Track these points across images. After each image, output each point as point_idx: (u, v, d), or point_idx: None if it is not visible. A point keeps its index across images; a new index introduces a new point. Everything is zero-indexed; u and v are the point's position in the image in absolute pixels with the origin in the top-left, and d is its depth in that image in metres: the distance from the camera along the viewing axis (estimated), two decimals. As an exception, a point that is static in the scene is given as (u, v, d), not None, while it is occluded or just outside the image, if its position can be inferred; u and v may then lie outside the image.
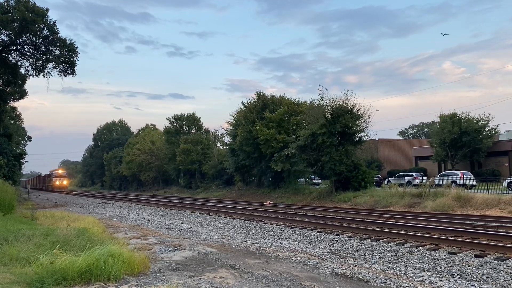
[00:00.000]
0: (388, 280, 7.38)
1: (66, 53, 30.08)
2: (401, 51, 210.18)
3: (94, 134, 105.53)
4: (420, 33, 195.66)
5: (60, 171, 76.25)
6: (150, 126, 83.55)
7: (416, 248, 10.97)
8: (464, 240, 11.47)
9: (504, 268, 8.67)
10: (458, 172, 35.28)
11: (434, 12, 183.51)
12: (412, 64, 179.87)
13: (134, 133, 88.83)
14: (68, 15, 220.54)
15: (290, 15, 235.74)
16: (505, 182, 29.31)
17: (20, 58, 30.68)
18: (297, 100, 39.33)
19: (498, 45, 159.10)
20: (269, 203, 30.72)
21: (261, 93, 41.51)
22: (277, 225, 16.53)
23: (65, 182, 72.54)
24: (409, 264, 9.47)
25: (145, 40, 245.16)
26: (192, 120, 63.96)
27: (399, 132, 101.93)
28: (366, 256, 10.44)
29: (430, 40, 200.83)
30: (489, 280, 8.06)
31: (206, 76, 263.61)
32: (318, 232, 14.29)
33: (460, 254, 9.95)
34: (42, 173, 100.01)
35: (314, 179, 42.30)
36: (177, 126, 63.53)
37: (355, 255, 10.67)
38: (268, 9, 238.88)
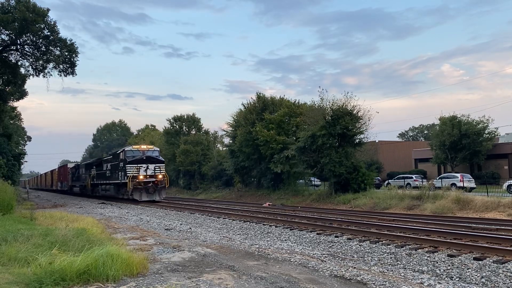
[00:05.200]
0: (387, 283, 7.37)
1: (66, 53, 30.08)
2: (400, 53, 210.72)
3: (94, 134, 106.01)
4: (418, 35, 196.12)
5: (143, 147, 34.92)
6: (150, 126, 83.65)
7: (415, 250, 10.96)
8: (463, 242, 11.45)
9: (503, 271, 8.66)
10: (458, 175, 35.26)
11: (433, 14, 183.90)
12: (411, 66, 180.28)
13: (134, 133, 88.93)
14: (64, 15, 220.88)
15: (288, 16, 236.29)
16: (505, 185, 29.36)
17: (20, 58, 30.69)
18: (297, 101, 39.30)
19: (497, 48, 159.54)
20: (269, 204, 30.70)
21: (261, 94, 41.47)
22: (276, 226, 16.52)
23: (160, 176, 34.42)
24: (408, 267, 9.46)
25: (142, 41, 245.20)
26: (192, 121, 63.91)
27: (399, 134, 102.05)
28: (365, 258, 10.42)
29: (429, 42, 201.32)
30: (488, 283, 8.05)
31: (204, 77, 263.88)
32: (317, 233, 14.27)
33: (459, 257, 9.93)
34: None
35: (314, 180, 42.17)
36: (177, 127, 63.47)
37: (354, 257, 10.65)
38: (266, 11, 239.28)
